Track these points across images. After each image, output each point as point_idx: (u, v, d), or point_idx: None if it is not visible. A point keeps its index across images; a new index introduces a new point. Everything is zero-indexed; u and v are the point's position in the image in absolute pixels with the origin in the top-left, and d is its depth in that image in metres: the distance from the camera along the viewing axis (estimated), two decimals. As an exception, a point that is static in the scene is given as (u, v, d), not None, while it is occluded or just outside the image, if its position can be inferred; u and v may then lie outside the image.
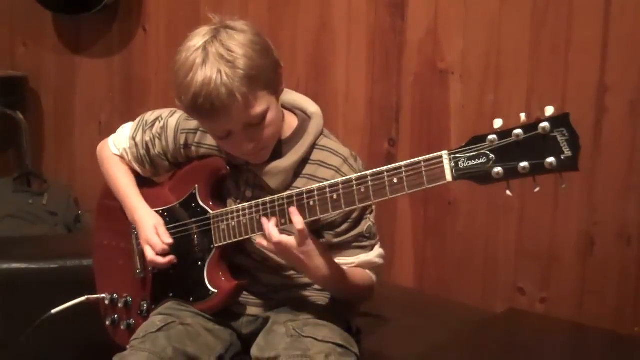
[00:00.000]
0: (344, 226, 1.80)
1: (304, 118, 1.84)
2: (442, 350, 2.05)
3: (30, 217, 3.46)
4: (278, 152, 1.80)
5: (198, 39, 1.68)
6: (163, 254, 1.87)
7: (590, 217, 2.46)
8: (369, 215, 1.83)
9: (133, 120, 2.04)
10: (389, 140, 2.81)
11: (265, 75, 1.68)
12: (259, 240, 1.72)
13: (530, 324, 2.38)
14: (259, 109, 1.68)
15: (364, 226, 1.82)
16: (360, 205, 1.63)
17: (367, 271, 1.84)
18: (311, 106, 1.86)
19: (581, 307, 2.50)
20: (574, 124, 1.37)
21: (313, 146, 1.81)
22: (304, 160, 1.80)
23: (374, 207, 1.83)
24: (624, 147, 2.39)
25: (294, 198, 1.67)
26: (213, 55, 1.64)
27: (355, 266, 1.81)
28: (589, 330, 2.35)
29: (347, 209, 1.63)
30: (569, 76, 2.45)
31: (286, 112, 1.84)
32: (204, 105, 1.65)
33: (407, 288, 2.77)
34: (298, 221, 1.64)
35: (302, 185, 1.76)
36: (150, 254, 1.88)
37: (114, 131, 2.07)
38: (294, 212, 1.65)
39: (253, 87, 1.65)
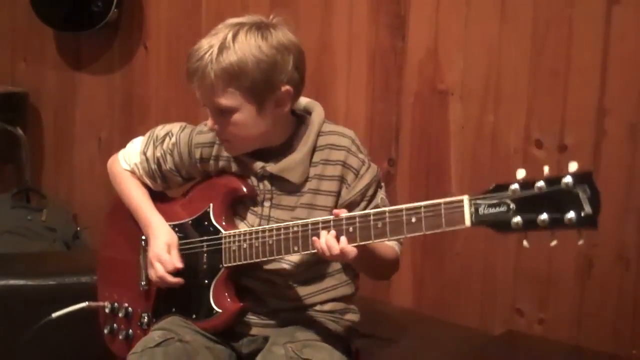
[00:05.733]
0: (362, 204, 1.84)
1: (304, 115, 1.89)
2: (440, 371, 2.05)
3: (28, 233, 3.45)
4: (287, 149, 1.84)
5: (248, 18, 1.80)
6: (172, 274, 1.88)
7: (588, 239, 2.45)
8: (379, 190, 1.88)
9: (133, 137, 2.05)
10: (388, 160, 2.81)
11: (248, 83, 1.74)
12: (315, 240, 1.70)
13: (529, 346, 2.39)
14: (223, 101, 1.76)
15: (378, 199, 1.86)
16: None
17: (394, 246, 1.86)
18: (303, 100, 1.91)
19: (579, 329, 2.49)
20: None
21: (318, 134, 1.85)
22: (313, 148, 1.84)
23: (382, 183, 1.89)
24: (623, 169, 2.39)
25: (309, 227, 1.70)
26: (225, 34, 1.75)
27: None
28: (587, 353, 2.35)
29: (361, 243, 1.65)
30: (569, 98, 2.46)
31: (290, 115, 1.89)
32: (187, 63, 1.77)
33: (405, 308, 2.77)
34: (350, 251, 1.65)
35: (319, 172, 1.82)
36: (160, 271, 1.88)
37: (113, 148, 2.08)
38: (344, 241, 1.65)
39: (225, 81, 1.74)
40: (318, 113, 1.88)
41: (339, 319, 1.91)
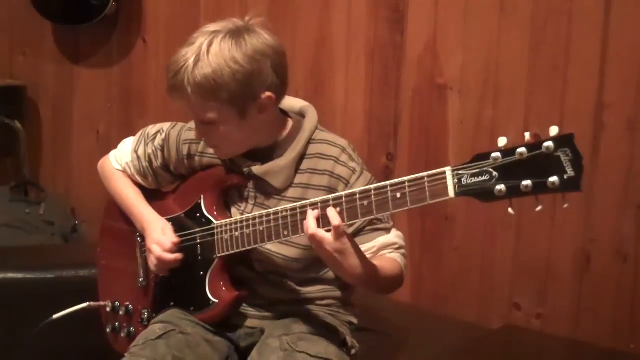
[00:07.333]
0: None
1: (298, 118, 1.87)
2: (438, 365, 2.05)
3: (27, 227, 3.45)
4: (276, 151, 1.82)
5: (223, 25, 1.75)
6: (170, 252, 1.88)
7: (587, 233, 2.46)
8: None
9: (131, 131, 2.06)
10: (387, 155, 2.81)
11: (227, 95, 1.71)
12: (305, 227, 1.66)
13: (527, 341, 2.39)
14: (204, 115, 1.75)
15: None
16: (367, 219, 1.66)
17: (397, 259, 1.82)
18: (299, 104, 1.90)
19: (577, 323, 2.50)
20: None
21: (309, 141, 1.83)
22: (302, 156, 1.82)
23: None
24: (622, 164, 2.39)
25: (298, 210, 1.68)
26: (199, 44, 1.72)
27: (377, 250, 1.80)
28: (584, 347, 2.36)
29: (349, 222, 1.63)
30: (568, 93, 2.46)
31: (280, 116, 1.87)
32: (166, 78, 1.76)
33: (404, 303, 2.77)
34: (334, 217, 1.60)
35: (305, 181, 1.80)
36: (157, 251, 1.87)
37: (112, 142, 2.08)
38: (331, 209, 1.62)
39: (203, 96, 1.72)
40: (311, 119, 1.86)
41: (336, 312, 1.91)
